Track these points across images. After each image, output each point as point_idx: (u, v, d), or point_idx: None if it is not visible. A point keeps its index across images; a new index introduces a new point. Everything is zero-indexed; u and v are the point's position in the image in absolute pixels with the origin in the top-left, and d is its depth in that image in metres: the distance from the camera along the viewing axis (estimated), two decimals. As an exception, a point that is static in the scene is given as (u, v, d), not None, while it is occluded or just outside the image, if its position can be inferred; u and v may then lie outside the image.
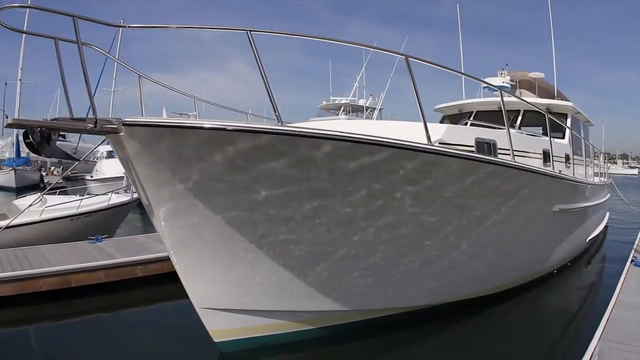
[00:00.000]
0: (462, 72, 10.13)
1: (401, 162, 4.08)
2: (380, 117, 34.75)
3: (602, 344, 4.07)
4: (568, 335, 5.70)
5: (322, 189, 4.01)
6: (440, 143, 4.69)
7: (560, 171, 6.32)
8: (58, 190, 9.02)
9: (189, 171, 3.69)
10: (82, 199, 8.88)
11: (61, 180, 25.75)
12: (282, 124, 3.45)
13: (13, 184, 23.22)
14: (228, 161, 3.62)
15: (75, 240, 8.21)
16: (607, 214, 13.02)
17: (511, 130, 6.26)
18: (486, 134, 5.52)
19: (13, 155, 26.27)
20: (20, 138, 28.26)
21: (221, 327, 4.64)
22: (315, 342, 5.08)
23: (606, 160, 14.32)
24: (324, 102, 34.98)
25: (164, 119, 3.48)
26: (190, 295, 4.44)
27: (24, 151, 30.35)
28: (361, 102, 34.20)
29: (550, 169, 6.23)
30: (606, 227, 12.43)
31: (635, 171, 71.46)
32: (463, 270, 5.58)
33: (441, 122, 10.80)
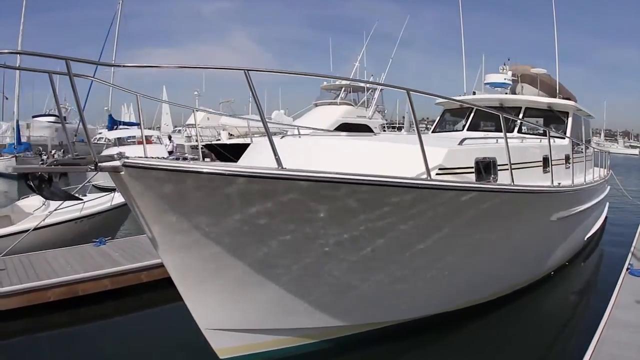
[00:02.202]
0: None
1: (397, 196, 4.19)
2: (381, 97, 35.00)
3: None
4: (558, 353, 5.72)
5: (322, 220, 4.10)
6: (440, 169, 4.74)
7: (559, 183, 6.36)
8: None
9: (190, 208, 3.75)
10: (85, 202, 8.90)
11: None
12: (281, 167, 3.50)
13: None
14: (227, 200, 3.68)
15: (79, 241, 8.28)
16: (607, 204, 13.04)
17: (511, 141, 6.30)
18: (485, 151, 5.53)
19: (14, 140, 26.19)
20: (21, 124, 28.29)
21: (226, 346, 4.77)
22: (317, 354, 5.23)
23: (606, 153, 14.12)
24: (325, 83, 35.02)
25: (165, 163, 3.50)
26: (194, 317, 4.55)
27: (24, 136, 30.42)
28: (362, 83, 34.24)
29: (549, 177, 6.28)
30: (605, 219, 12.48)
31: (636, 151, 70.53)
32: (460, 282, 5.69)
33: (442, 115, 10.90)
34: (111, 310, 6.68)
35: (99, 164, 3.34)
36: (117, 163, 3.45)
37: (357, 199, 4.02)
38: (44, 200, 8.66)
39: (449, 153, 4.92)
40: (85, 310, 6.49)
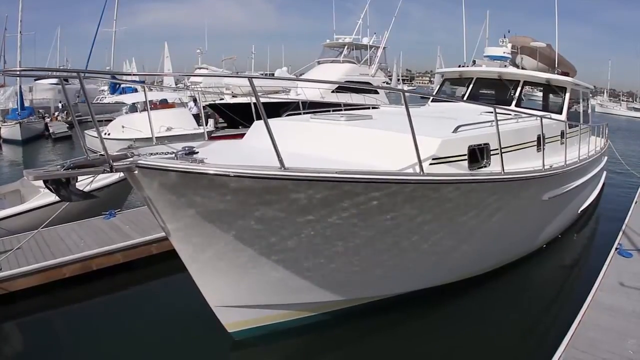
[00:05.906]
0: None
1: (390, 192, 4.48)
2: (384, 55, 34.65)
3: (567, 353, 4.22)
4: (540, 332, 5.86)
5: (319, 212, 4.38)
6: (433, 159, 4.93)
7: (551, 165, 6.52)
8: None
9: (199, 201, 4.01)
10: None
11: (66, 130, 25.97)
12: (284, 168, 3.74)
13: (19, 137, 23.22)
14: (233, 196, 3.94)
15: (87, 213, 8.47)
16: (604, 173, 13.14)
17: (506, 123, 6.44)
18: (479, 137, 5.67)
19: (17, 105, 26.13)
20: (24, 88, 28.21)
21: (234, 320, 5.17)
22: (316, 325, 5.61)
23: (604, 124, 14.05)
24: (328, 41, 34.60)
25: (175, 164, 3.73)
26: (205, 296, 4.90)
27: (27, 99, 30.35)
28: (365, 41, 33.84)
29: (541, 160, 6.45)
30: (602, 188, 12.60)
31: None
32: (455, 257, 6.00)
33: (442, 83, 11.04)
34: (124, 283, 7.01)
35: (113, 165, 3.58)
36: (130, 163, 3.70)
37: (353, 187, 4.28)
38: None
39: (443, 143, 5.08)
40: (98, 284, 6.83)
